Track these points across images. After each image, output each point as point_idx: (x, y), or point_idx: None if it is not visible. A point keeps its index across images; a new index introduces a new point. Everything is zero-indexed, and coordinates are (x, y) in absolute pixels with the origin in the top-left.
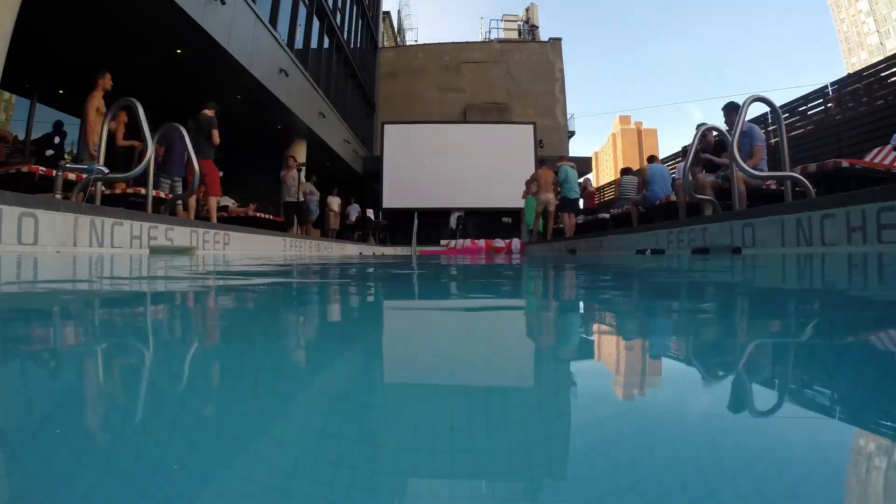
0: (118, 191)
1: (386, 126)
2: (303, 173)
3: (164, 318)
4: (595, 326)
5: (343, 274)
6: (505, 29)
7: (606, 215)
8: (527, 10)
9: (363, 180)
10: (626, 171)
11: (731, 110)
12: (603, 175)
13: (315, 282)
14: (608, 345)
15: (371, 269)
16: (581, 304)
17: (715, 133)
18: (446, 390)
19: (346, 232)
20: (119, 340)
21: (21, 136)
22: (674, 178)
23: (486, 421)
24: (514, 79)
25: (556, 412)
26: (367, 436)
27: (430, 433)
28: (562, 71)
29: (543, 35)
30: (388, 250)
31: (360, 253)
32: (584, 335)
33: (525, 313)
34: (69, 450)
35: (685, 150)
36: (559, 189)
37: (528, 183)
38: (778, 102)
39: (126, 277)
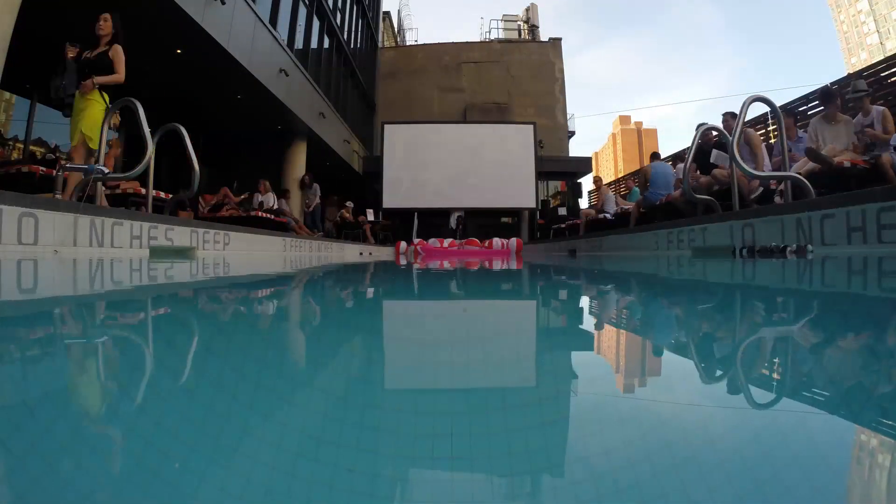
0: (129, 190)
1: (386, 126)
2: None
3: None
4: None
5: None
6: (505, 29)
7: (608, 215)
8: (527, 10)
9: (363, 180)
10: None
11: (732, 118)
12: (603, 175)
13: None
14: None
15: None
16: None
17: (714, 133)
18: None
19: (345, 230)
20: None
21: (21, 136)
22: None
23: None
24: (514, 79)
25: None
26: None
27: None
28: (562, 71)
29: (543, 35)
30: (388, 250)
31: (360, 253)
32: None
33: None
34: (70, 454)
35: (683, 152)
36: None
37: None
38: (778, 102)
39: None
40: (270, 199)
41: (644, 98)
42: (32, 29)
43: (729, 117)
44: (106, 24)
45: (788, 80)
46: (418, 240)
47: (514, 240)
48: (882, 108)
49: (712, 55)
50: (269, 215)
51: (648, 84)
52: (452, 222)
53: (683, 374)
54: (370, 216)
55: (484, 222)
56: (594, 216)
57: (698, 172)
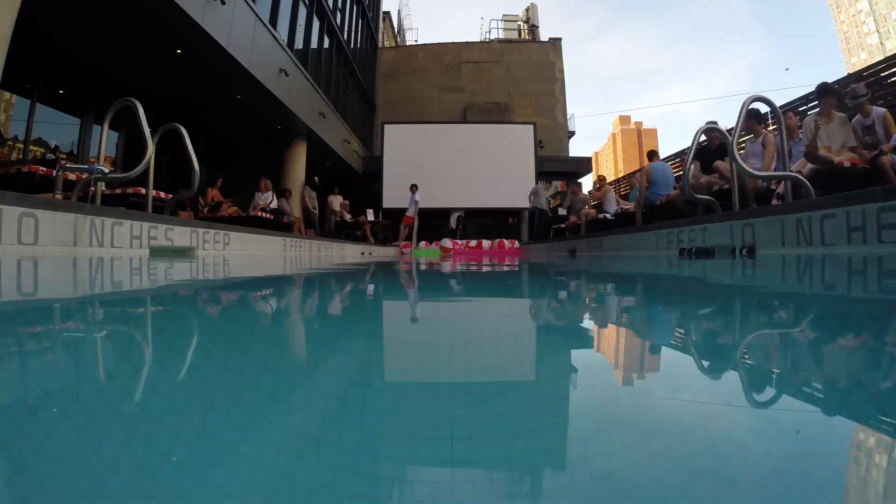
0: (129, 190)
1: (386, 126)
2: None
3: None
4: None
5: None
6: (505, 29)
7: (608, 215)
8: (527, 10)
9: (363, 180)
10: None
11: (752, 118)
12: (604, 175)
13: None
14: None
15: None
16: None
17: (717, 134)
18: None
19: (345, 230)
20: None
21: (21, 136)
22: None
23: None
24: (514, 79)
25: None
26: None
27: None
28: (562, 71)
29: (543, 34)
30: (392, 250)
31: (361, 253)
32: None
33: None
34: (69, 452)
35: (682, 153)
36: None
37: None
38: (778, 102)
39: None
40: (269, 198)
41: (643, 98)
42: (33, 29)
43: (749, 117)
44: None
45: (788, 80)
46: (422, 242)
47: (480, 240)
48: (883, 109)
49: (711, 55)
50: (268, 215)
51: (648, 84)
52: (452, 222)
53: (683, 372)
54: (370, 216)
55: (484, 222)
56: (594, 216)
57: (700, 172)
